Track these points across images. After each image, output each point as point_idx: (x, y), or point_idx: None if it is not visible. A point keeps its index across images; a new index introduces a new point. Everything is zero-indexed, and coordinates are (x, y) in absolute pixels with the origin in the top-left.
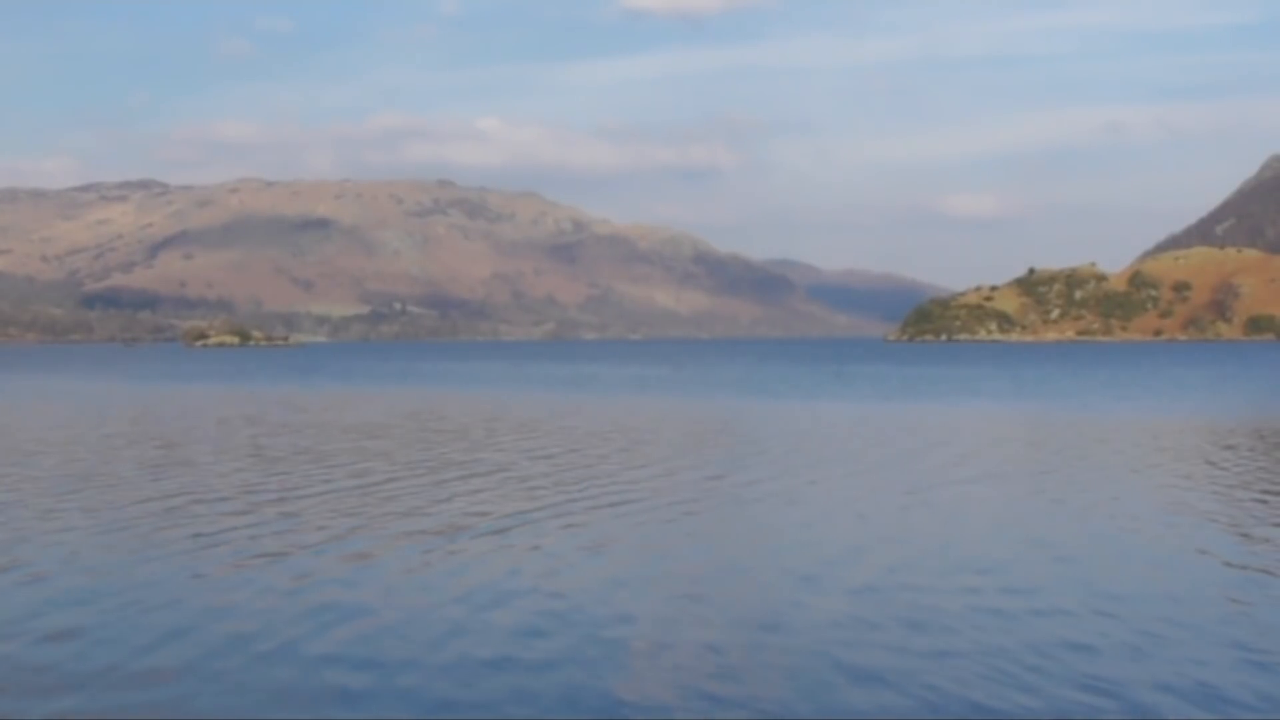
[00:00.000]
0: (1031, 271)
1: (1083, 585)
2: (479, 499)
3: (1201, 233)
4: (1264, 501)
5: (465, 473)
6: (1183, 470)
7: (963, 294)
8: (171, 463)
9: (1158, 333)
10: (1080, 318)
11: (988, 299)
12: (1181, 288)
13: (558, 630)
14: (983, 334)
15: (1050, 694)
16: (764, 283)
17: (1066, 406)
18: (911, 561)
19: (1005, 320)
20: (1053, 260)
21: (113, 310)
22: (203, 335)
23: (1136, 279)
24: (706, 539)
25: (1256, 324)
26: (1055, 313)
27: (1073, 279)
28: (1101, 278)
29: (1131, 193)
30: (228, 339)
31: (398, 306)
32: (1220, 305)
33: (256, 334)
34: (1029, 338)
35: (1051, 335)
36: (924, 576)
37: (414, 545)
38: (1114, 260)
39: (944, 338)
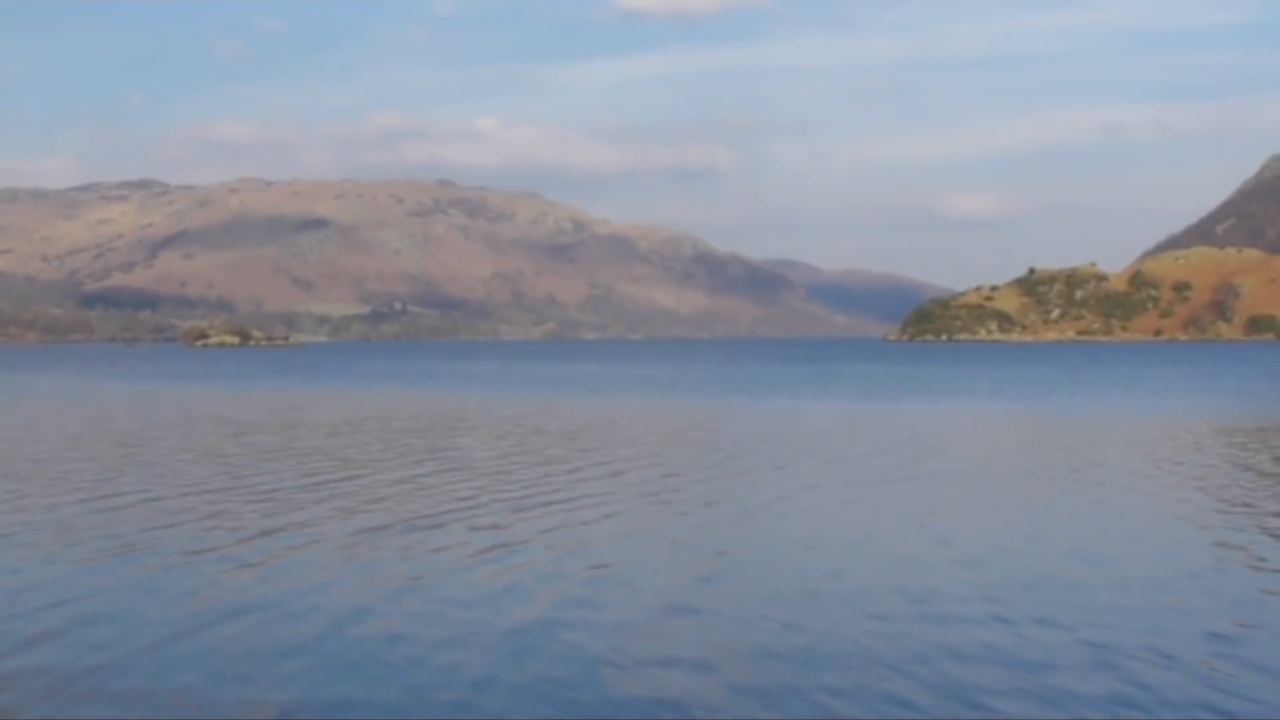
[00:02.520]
0: (1032, 271)
1: (983, 585)
2: (417, 497)
3: (1201, 233)
4: (1216, 496)
5: (411, 471)
6: (1116, 467)
7: (963, 294)
8: (116, 459)
9: (1158, 333)
10: (1081, 318)
11: (988, 299)
12: (1182, 288)
13: (456, 629)
14: (983, 334)
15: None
16: (764, 283)
17: (1037, 406)
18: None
19: (1005, 320)
20: (1053, 260)
21: (113, 310)
22: (203, 335)
23: (1137, 279)
24: (638, 537)
25: (1257, 324)
26: (1055, 313)
27: (1073, 279)
28: (1102, 278)
29: (1131, 193)
30: (228, 339)
31: (398, 306)
32: (1221, 305)
33: (257, 334)
34: (1029, 338)
35: (1052, 335)
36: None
37: (332, 542)
38: (1114, 260)
39: (944, 338)
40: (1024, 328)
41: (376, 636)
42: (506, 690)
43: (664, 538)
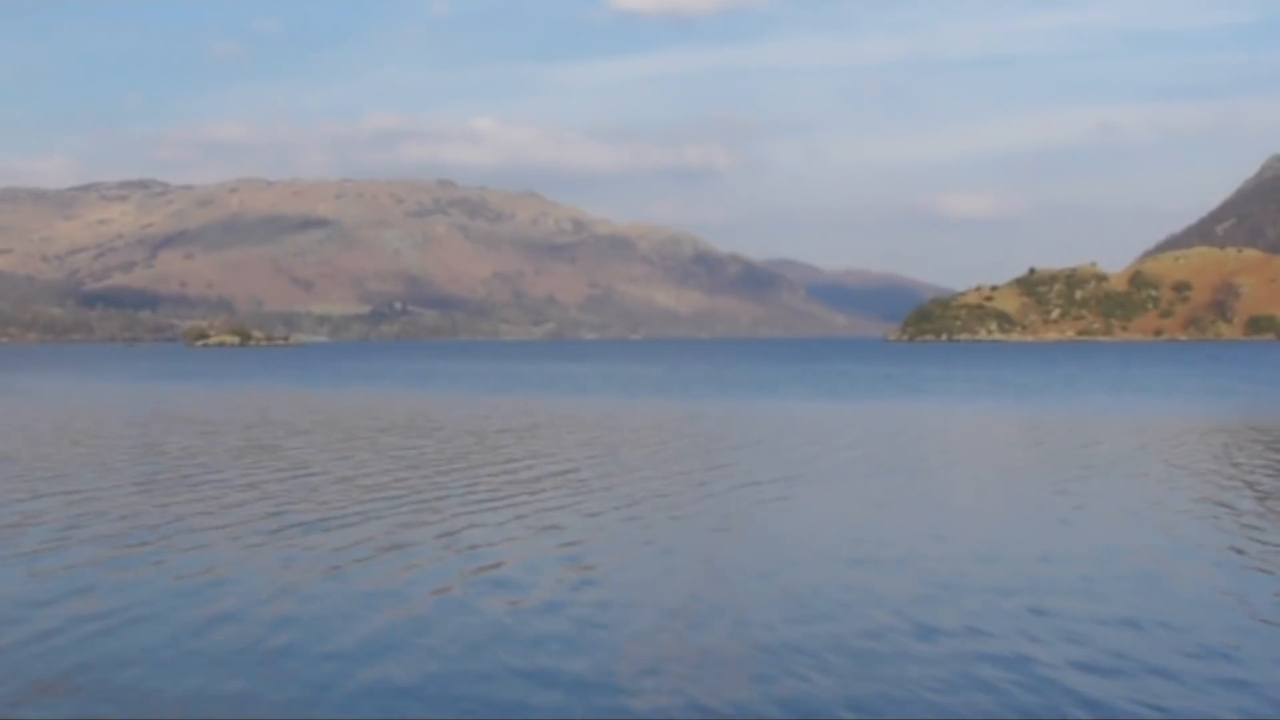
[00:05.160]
0: (1032, 271)
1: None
2: (346, 495)
3: (1202, 233)
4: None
5: (353, 470)
6: (1068, 465)
7: (963, 294)
8: (62, 457)
9: (1158, 333)
10: (1081, 318)
11: (988, 299)
12: (1182, 288)
13: (313, 629)
14: (983, 334)
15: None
16: (764, 282)
17: (1005, 405)
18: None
19: (1006, 320)
20: (1053, 260)
21: (113, 310)
22: (203, 335)
23: (1137, 279)
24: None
25: (1257, 324)
26: (1055, 313)
27: (1073, 279)
28: (1102, 278)
29: (1131, 193)
30: (228, 339)
31: (398, 306)
32: (1221, 305)
33: (257, 334)
34: (1029, 338)
35: (1052, 335)
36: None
37: (234, 540)
38: (1114, 260)
39: (944, 338)
40: (1024, 328)
41: (261, 633)
42: (416, 696)
43: (557, 536)
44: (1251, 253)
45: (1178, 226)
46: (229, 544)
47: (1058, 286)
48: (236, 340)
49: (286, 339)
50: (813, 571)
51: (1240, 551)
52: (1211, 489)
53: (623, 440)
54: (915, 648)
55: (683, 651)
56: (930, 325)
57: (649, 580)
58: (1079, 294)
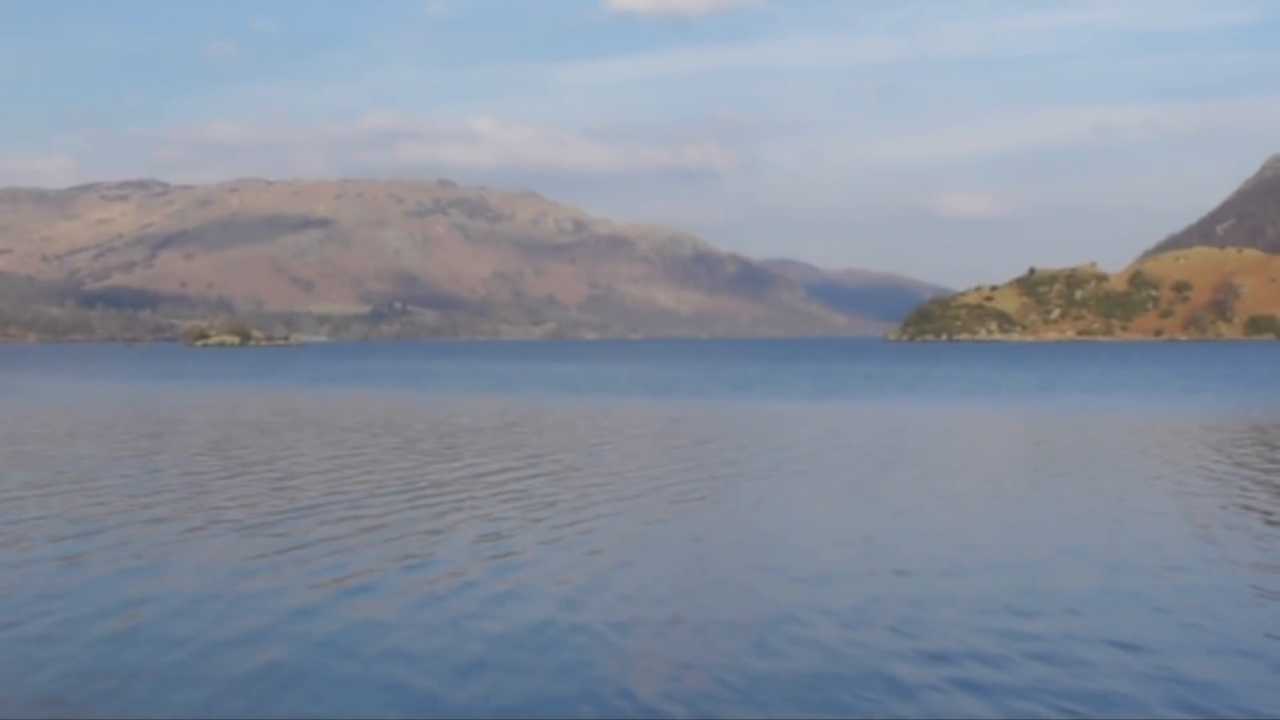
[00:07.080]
0: (1032, 271)
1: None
2: (287, 496)
3: (1202, 233)
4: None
5: (307, 469)
6: (1004, 462)
7: (963, 294)
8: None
9: (1158, 333)
10: (1081, 318)
11: (988, 299)
12: (1182, 288)
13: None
14: (983, 334)
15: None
16: (764, 282)
17: (983, 404)
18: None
19: (1006, 320)
20: (1053, 260)
21: (113, 310)
22: (203, 335)
23: (1137, 279)
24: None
25: (1257, 324)
26: (1056, 313)
27: (1073, 279)
28: (1102, 278)
29: (1131, 193)
30: (228, 339)
31: (398, 306)
32: (1221, 305)
33: (257, 334)
34: (1029, 338)
35: (1052, 335)
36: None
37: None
38: (1115, 260)
39: (944, 338)
40: (1024, 328)
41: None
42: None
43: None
44: (1251, 253)
45: (1178, 226)
46: (161, 543)
47: (1058, 286)
48: (236, 340)
49: (286, 339)
50: (729, 571)
51: (1192, 541)
52: (1161, 484)
53: (592, 439)
54: (844, 646)
55: (595, 652)
56: (930, 325)
57: (566, 581)
58: (1079, 294)
